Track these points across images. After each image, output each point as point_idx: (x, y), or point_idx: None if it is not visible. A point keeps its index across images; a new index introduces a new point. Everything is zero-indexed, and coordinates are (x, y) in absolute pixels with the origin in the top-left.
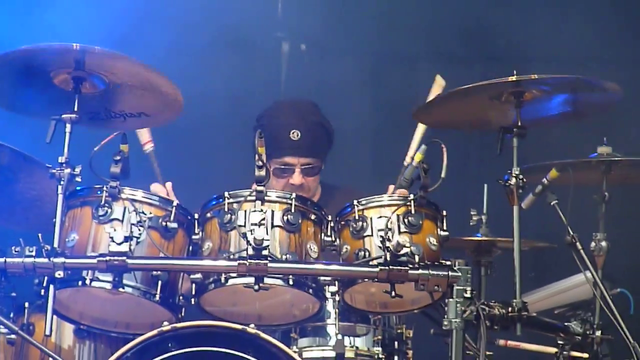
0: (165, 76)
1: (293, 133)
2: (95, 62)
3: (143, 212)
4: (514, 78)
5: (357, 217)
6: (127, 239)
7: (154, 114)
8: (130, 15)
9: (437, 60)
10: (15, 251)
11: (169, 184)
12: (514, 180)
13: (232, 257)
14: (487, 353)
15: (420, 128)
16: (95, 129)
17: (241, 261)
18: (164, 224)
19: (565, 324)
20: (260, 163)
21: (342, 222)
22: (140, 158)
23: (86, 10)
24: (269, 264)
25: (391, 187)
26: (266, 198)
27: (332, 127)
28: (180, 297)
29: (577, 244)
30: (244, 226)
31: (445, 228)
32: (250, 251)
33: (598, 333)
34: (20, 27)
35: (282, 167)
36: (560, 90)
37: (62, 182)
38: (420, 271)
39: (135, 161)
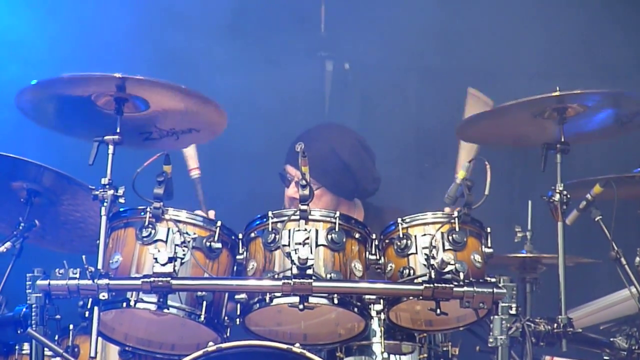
0: (206, 98)
1: (298, 145)
2: (136, 86)
3: (187, 233)
4: (557, 93)
5: (401, 235)
6: (171, 259)
7: (203, 128)
8: (175, 35)
9: (480, 76)
10: (59, 273)
11: (212, 212)
12: (557, 196)
13: (276, 276)
14: None
15: (466, 145)
16: (143, 149)
17: (286, 281)
18: (208, 244)
19: (611, 339)
20: (304, 182)
21: (387, 241)
22: (184, 183)
23: (128, 31)
24: (314, 283)
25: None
26: (310, 217)
27: (358, 165)
28: (226, 317)
29: (622, 259)
30: (288, 245)
31: (489, 245)
32: (295, 270)
33: None
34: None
35: (284, 175)
36: (603, 105)
37: (105, 204)
38: (465, 288)
39: (178, 185)
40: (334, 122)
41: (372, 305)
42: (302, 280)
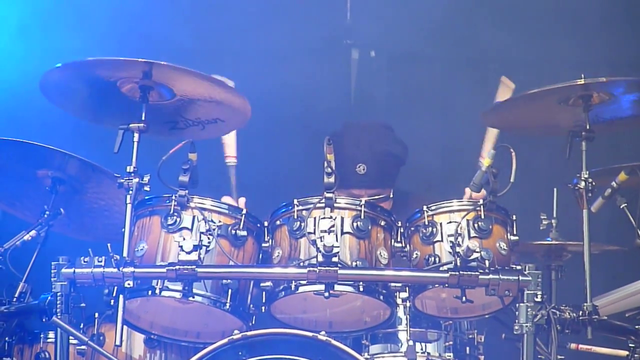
0: (230, 87)
1: (359, 167)
2: (162, 73)
3: (212, 221)
4: (581, 81)
5: (426, 223)
6: (197, 247)
7: (228, 118)
8: (200, 22)
9: (505, 64)
10: (84, 261)
11: (242, 200)
12: (583, 183)
13: (302, 264)
14: (559, 357)
15: (492, 132)
16: (169, 138)
17: (311, 268)
18: (233, 232)
19: (637, 327)
20: (329, 170)
21: (412, 228)
22: (214, 170)
23: (156, 17)
24: (339, 271)
25: (468, 190)
26: (335, 205)
27: (404, 149)
28: (251, 305)
29: None
30: (314, 233)
31: (515, 232)
32: (320, 258)
33: None
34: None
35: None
36: (628, 92)
37: (130, 192)
38: (490, 276)
39: (208, 172)
40: (362, 122)
41: (397, 292)
42: (327, 268)
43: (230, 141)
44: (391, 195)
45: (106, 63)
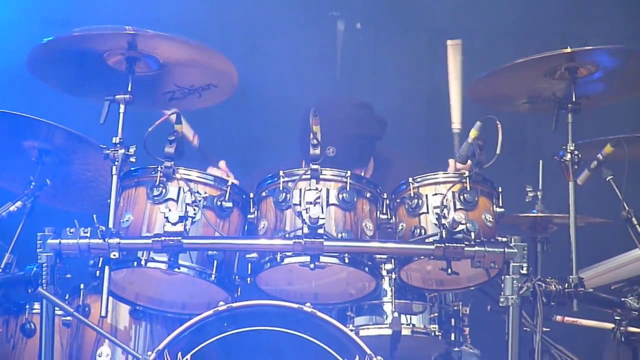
0: (216, 51)
1: (328, 149)
2: (147, 43)
3: (198, 192)
4: (568, 50)
5: (412, 195)
6: (182, 218)
7: (219, 83)
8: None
9: (491, 37)
10: (70, 232)
11: (222, 163)
12: (569, 156)
13: (287, 236)
14: (544, 329)
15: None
16: (169, 108)
17: (297, 240)
18: (219, 203)
19: (622, 299)
20: (315, 142)
21: (398, 200)
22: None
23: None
24: (325, 243)
25: (452, 162)
26: (321, 176)
27: (381, 127)
28: (236, 277)
29: (633, 219)
30: (299, 205)
31: (500, 205)
32: (306, 230)
33: None
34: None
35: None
36: (613, 62)
37: (116, 163)
38: (476, 248)
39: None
40: (334, 98)
41: (383, 264)
42: (313, 240)
43: (185, 127)
44: (364, 171)
45: (91, 36)
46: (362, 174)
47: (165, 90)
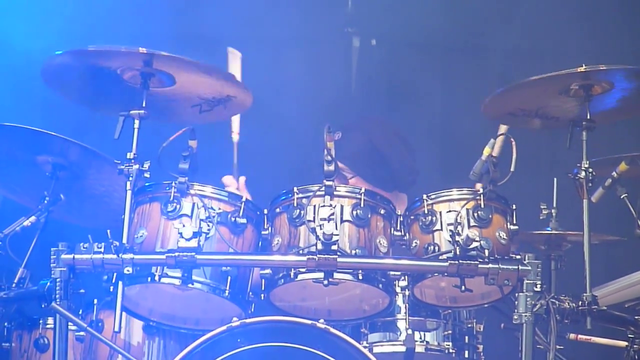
0: (228, 73)
1: (336, 134)
2: (163, 63)
3: (212, 208)
4: (582, 69)
5: (426, 212)
6: (196, 234)
7: (239, 95)
8: (204, 11)
9: (506, 54)
10: (84, 247)
11: (242, 179)
12: (583, 173)
13: (301, 252)
14: (558, 347)
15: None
16: (200, 121)
17: (310, 256)
18: (233, 219)
19: (636, 317)
20: (329, 158)
21: (412, 217)
22: (219, 148)
23: (155, 6)
24: (339, 259)
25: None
26: (335, 193)
27: (395, 158)
28: (250, 293)
29: None
30: (313, 221)
31: (514, 222)
32: (320, 246)
33: None
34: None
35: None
36: (628, 82)
37: (130, 178)
38: (490, 265)
39: (213, 151)
40: (375, 115)
41: (396, 281)
42: (327, 256)
43: (236, 117)
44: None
45: (107, 53)
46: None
47: (192, 104)
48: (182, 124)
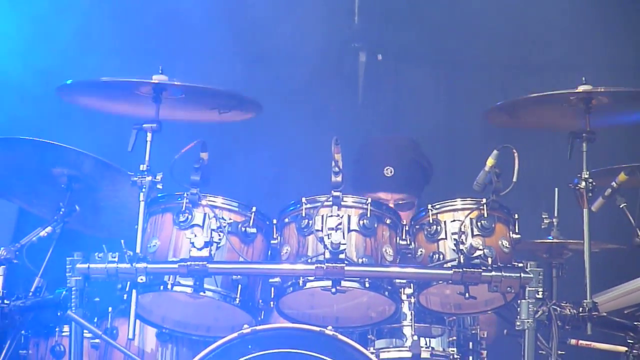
0: (240, 96)
1: (387, 170)
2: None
3: (223, 218)
4: (581, 89)
5: (431, 221)
6: (208, 244)
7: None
8: (218, 26)
9: (508, 66)
10: (99, 257)
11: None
12: (583, 183)
13: (309, 260)
14: (559, 352)
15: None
16: (221, 120)
17: (319, 265)
18: (243, 229)
19: (635, 323)
20: (336, 169)
21: (417, 226)
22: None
23: (174, 22)
24: (346, 267)
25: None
26: (342, 203)
27: (430, 164)
28: (260, 301)
29: None
30: (321, 231)
31: (517, 231)
32: (327, 255)
33: None
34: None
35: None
36: (626, 99)
37: (143, 190)
38: (493, 273)
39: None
40: (391, 135)
41: (402, 289)
42: (334, 265)
43: None
44: (416, 202)
45: (118, 83)
46: (415, 203)
47: (211, 106)
48: (200, 126)
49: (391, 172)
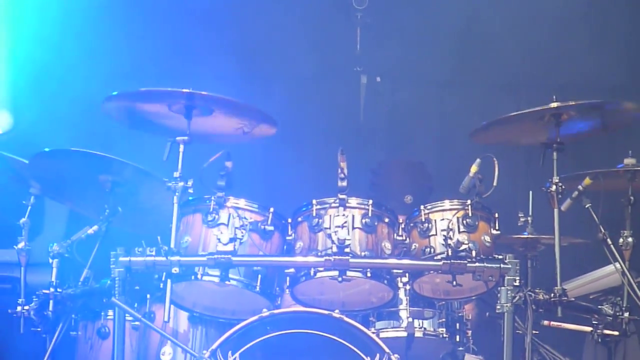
0: (259, 111)
1: (407, 198)
2: (203, 99)
3: (245, 218)
4: (554, 105)
5: (423, 220)
6: (232, 240)
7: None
8: (238, 51)
9: (493, 86)
10: (138, 251)
11: None
12: (554, 187)
13: (319, 254)
14: (534, 332)
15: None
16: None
17: (327, 257)
18: (262, 227)
19: (599, 307)
20: (342, 175)
21: (411, 224)
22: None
23: (197, 44)
24: (351, 260)
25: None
26: (347, 204)
27: (432, 180)
28: (277, 288)
29: (608, 240)
30: (329, 228)
31: (497, 228)
32: (335, 249)
33: (626, 314)
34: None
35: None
36: (591, 111)
37: (177, 194)
38: (477, 264)
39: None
40: (406, 160)
41: (399, 278)
42: (340, 257)
43: None
44: None
45: (154, 93)
46: None
47: (235, 127)
48: (224, 145)
49: (410, 199)
